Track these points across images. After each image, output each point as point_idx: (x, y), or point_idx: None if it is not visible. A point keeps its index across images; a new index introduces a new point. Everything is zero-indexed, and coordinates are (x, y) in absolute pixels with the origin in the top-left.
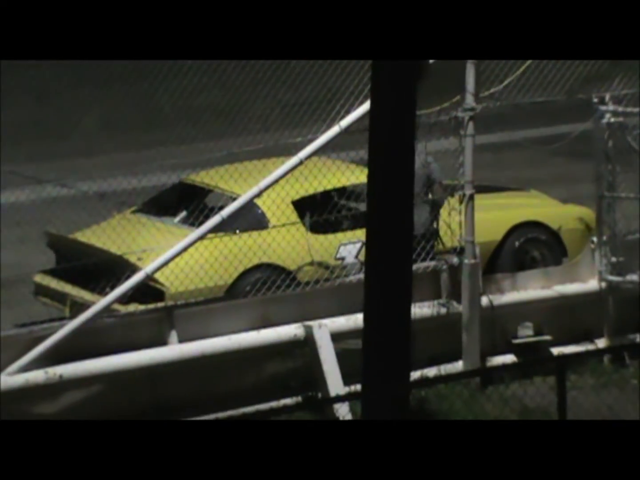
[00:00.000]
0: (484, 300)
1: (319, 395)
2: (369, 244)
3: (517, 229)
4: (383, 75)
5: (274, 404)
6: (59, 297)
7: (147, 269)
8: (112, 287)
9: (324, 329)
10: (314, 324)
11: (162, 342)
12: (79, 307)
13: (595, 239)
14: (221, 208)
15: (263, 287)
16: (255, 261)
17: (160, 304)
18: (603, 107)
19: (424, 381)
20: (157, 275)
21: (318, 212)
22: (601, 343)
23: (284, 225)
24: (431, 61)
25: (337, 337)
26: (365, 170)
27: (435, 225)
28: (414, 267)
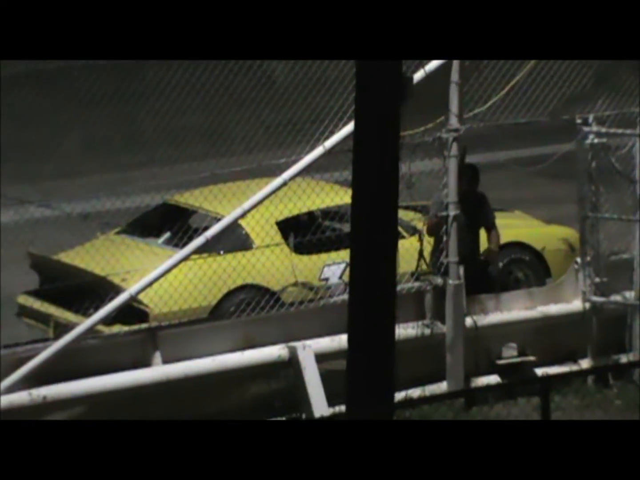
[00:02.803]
0: (468, 321)
1: (303, 416)
2: (353, 265)
3: (501, 249)
4: (367, 96)
5: None
6: (43, 318)
7: (131, 290)
8: (96, 308)
9: (308, 350)
10: (298, 345)
11: (145, 363)
12: (62, 328)
13: (578, 259)
14: (205, 229)
15: (247, 308)
16: (240, 282)
17: (144, 325)
18: (586, 128)
19: (408, 402)
20: (141, 297)
21: (302, 233)
22: (585, 364)
23: (268, 246)
24: (415, 81)
25: (321, 358)
26: (349, 191)
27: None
28: (398, 288)
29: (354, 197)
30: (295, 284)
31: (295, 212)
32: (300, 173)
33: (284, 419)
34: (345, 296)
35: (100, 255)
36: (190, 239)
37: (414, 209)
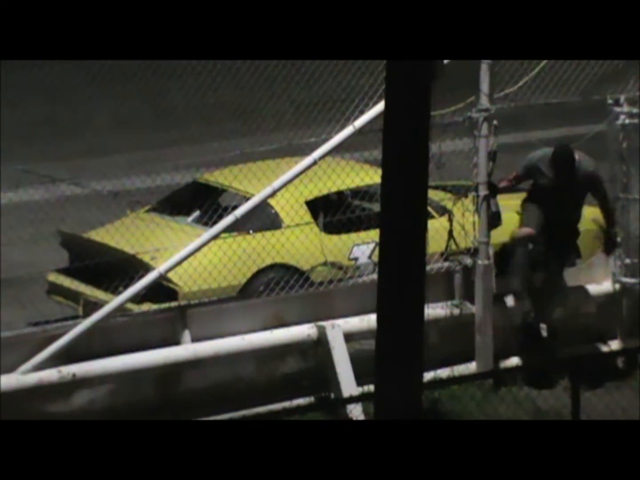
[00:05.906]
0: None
1: (332, 395)
2: (382, 245)
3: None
4: (397, 75)
5: (286, 404)
6: (73, 296)
7: (160, 268)
8: (126, 287)
9: (337, 329)
10: (327, 324)
11: (175, 341)
12: (92, 306)
13: None
14: (235, 208)
15: (276, 287)
16: (269, 261)
17: (173, 304)
18: (618, 109)
19: (437, 382)
20: (171, 275)
21: (331, 212)
22: (614, 345)
23: (297, 225)
24: (446, 61)
25: (350, 337)
26: (379, 171)
27: None
28: (428, 267)
29: (383, 176)
30: (324, 264)
31: (324, 191)
32: (330, 152)
33: (312, 398)
34: (375, 276)
35: (130, 234)
36: (220, 217)
37: (444, 189)
